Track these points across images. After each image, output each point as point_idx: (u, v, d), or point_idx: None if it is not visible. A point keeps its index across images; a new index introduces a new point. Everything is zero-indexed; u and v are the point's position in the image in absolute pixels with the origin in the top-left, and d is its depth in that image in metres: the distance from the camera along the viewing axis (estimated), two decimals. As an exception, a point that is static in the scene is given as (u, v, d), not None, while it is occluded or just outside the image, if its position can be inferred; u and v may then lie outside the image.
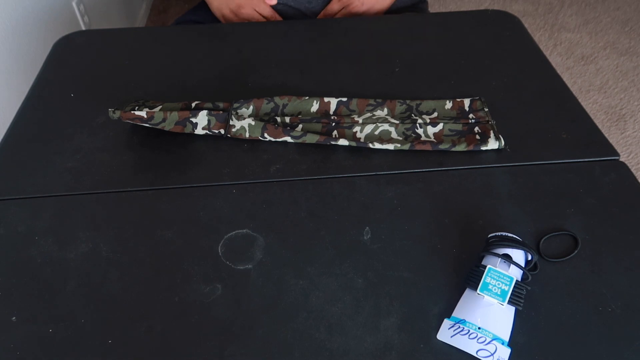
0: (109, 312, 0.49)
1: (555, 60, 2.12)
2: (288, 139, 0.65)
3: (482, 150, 0.64)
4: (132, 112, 0.64)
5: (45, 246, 0.55)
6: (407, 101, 0.70)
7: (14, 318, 0.49)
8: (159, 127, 0.64)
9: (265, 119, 0.67)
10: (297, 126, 0.67)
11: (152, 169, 0.63)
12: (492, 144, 0.64)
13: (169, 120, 0.64)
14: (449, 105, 0.69)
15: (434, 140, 0.65)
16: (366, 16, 0.91)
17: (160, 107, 0.66)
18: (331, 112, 0.69)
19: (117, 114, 0.64)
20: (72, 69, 0.79)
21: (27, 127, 0.69)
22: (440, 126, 0.66)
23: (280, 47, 0.82)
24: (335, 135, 0.66)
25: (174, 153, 0.65)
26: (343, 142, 0.64)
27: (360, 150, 0.65)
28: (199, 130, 0.65)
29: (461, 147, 0.64)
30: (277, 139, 0.65)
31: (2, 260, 0.54)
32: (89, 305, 0.50)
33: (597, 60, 2.12)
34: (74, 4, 1.52)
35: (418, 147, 0.64)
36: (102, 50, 0.83)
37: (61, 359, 0.46)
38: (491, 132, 0.65)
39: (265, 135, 0.65)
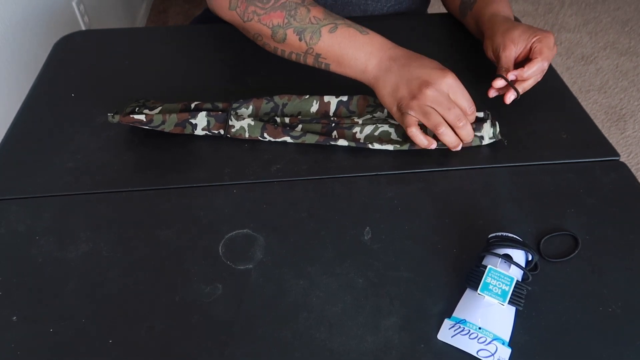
0: (109, 312, 0.49)
1: (555, 60, 2.12)
2: (287, 139, 0.65)
3: (481, 145, 0.64)
4: (131, 116, 0.63)
5: (46, 246, 0.55)
6: None
7: (14, 318, 0.49)
8: (158, 129, 0.64)
9: (264, 119, 0.67)
10: (296, 126, 0.67)
11: (152, 169, 0.63)
12: (487, 130, 0.64)
13: (168, 122, 0.64)
14: None
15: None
16: (366, 16, 0.91)
17: (160, 108, 0.66)
18: (331, 114, 0.69)
19: (117, 118, 0.64)
20: (72, 69, 0.79)
21: (27, 127, 0.69)
22: None
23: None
24: (335, 135, 0.66)
25: (174, 153, 0.65)
26: (342, 142, 0.64)
27: (360, 150, 0.65)
28: (198, 131, 0.65)
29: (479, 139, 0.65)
30: (277, 139, 0.65)
31: (2, 260, 0.54)
32: (89, 305, 0.50)
33: (597, 60, 2.12)
34: (74, 4, 1.52)
35: (417, 146, 0.64)
36: (102, 50, 0.83)
37: (61, 358, 0.46)
38: (488, 120, 0.65)
39: (265, 135, 0.65)
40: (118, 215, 0.58)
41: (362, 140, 0.65)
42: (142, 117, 0.63)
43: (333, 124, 0.67)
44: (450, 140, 0.62)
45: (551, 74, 0.77)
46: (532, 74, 0.67)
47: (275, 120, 0.67)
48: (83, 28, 1.57)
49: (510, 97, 0.67)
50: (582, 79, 2.03)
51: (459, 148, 0.63)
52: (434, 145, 0.62)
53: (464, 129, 0.61)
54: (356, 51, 0.64)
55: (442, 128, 0.60)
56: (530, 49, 0.68)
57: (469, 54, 0.80)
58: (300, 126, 0.67)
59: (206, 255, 0.54)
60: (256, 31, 0.69)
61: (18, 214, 0.58)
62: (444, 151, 0.65)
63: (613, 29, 2.29)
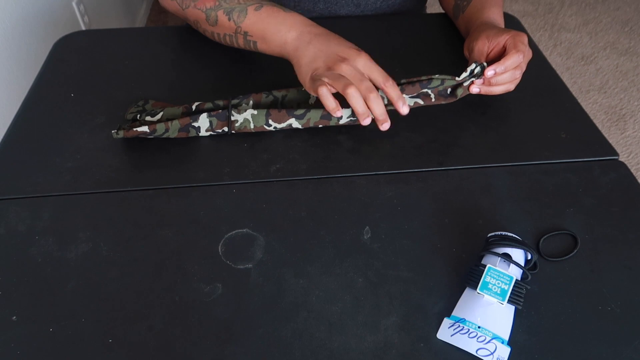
0: (109, 311, 0.49)
1: (555, 60, 2.12)
2: (293, 120, 0.65)
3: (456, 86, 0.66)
4: (134, 129, 0.64)
5: (45, 246, 0.55)
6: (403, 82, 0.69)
7: (14, 318, 0.49)
8: (163, 137, 0.65)
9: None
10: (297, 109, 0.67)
11: (151, 168, 0.63)
12: (473, 65, 0.66)
13: (172, 129, 0.65)
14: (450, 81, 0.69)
15: (424, 80, 0.66)
16: (365, 16, 0.91)
17: (162, 112, 0.66)
18: None
19: (121, 133, 0.64)
20: (72, 69, 0.79)
21: (27, 127, 0.69)
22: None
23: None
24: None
25: (174, 153, 0.65)
26: (347, 111, 0.65)
27: (360, 150, 0.65)
28: (202, 133, 0.66)
29: (449, 83, 0.66)
30: (282, 124, 0.65)
31: (2, 260, 0.54)
32: (89, 305, 0.50)
33: (597, 60, 2.12)
34: (74, 4, 1.52)
35: (408, 90, 0.65)
36: (102, 50, 0.83)
37: (61, 358, 0.46)
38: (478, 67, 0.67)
39: (270, 121, 0.65)
40: (117, 215, 0.58)
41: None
42: (145, 128, 0.64)
43: None
44: (359, 105, 0.61)
45: (551, 74, 0.77)
46: (509, 66, 0.66)
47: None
48: (83, 28, 1.57)
49: (474, 89, 0.67)
50: (582, 79, 2.03)
51: (368, 122, 0.63)
52: (339, 112, 0.62)
53: (375, 101, 0.61)
54: (278, 25, 0.68)
55: (350, 89, 0.60)
56: (504, 46, 0.68)
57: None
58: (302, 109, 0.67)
59: (206, 254, 0.54)
60: (194, 17, 0.75)
61: (18, 214, 0.58)
62: (443, 151, 0.65)
63: (613, 29, 2.29)
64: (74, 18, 1.53)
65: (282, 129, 0.67)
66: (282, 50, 0.68)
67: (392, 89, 0.63)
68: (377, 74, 0.63)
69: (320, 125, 0.66)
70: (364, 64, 0.63)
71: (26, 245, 0.55)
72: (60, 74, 0.78)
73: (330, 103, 0.62)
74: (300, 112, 0.65)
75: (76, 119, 0.70)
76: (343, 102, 0.64)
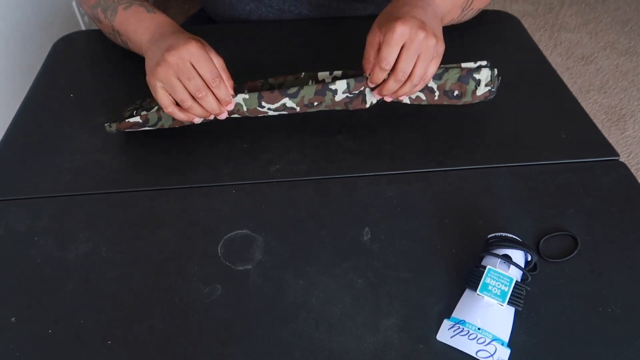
0: (109, 312, 0.49)
1: (555, 60, 2.12)
2: (286, 100, 0.62)
3: (477, 89, 0.63)
4: (127, 120, 0.63)
5: (45, 246, 0.55)
6: None
7: (13, 319, 0.49)
8: (157, 126, 0.64)
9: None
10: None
11: (152, 169, 0.63)
12: (485, 73, 0.62)
13: (165, 118, 0.63)
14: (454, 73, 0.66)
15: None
16: (366, 16, 0.91)
17: (157, 106, 0.66)
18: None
19: (114, 127, 0.63)
20: (72, 69, 0.79)
21: (27, 127, 0.69)
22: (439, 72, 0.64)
23: (279, 47, 0.82)
24: (331, 80, 0.64)
25: (173, 153, 0.65)
26: (341, 84, 0.61)
27: (360, 151, 0.65)
28: (196, 120, 0.64)
29: (454, 72, 0.62)
30: (276, 104, 0.62)
31: (1, 261, 0.54)
32: (89, 305, 0.50)
33: (597, 60, 2.12)
34: (74, 4, 1.52)
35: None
36: (102, 50, 0.83)
37: (61, 359, 0.46)
38: (487, 67, 0.63)
39: (263, 103, 0.62)
40: (117, 216, 0.58)
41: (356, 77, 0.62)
42: (137, 119, 0.63)
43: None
44: (198, 112, 0.60)
45: (551, 74, 0.77)
46: (377, 79, 0.59)
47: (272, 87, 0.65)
48: (83, 28, 1.57)
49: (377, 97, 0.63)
50: (582, 79, 2.03)
51: (223, 116, 0.62)
52: (196, 120, 0.62)
53: (205, 100, 0.59)
54: (137, 26, 0.68)
55: (187, 103, 0.58)
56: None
57: (468, 54, 0.80)
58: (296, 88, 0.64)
59: (205, 255, 0.54)
60: (91, 16, 0.76)
61: (17, 214, 0.58)
62: (444, 151, 0.65)
63: (613, 29, 2.29)
64: (74, 18, 1.53)
65: (277, 110, 0.64)
66: (141, 52, 0.66)
67: (218, 89, 0.59)
68: (205, 68, 0.58)
69: (315, 103, 0.63)
70: (191, 54, 0.58)
71: (26, 246, 0.55)
72: (60, 74, 0.78)
73: (181, 118, 0.60)
74: (293, 90, 0.62)
75: (76, 119, 0.70)
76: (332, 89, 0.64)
